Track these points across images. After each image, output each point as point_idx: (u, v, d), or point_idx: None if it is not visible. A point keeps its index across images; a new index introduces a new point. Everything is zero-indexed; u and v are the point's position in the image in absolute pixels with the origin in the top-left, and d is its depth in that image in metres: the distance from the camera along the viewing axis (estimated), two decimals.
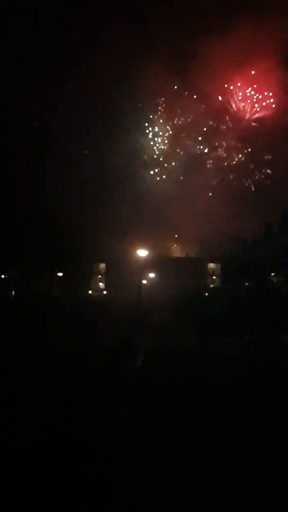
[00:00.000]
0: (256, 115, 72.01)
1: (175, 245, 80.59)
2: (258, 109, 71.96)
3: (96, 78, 60.16)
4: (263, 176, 71.83)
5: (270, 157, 70.60)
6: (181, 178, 76.15)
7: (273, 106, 70.55)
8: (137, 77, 61.78)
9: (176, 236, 79.38)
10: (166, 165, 75.37)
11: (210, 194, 73.84)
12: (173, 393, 9.66)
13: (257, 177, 72.97)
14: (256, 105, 71.52)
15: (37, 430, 6.64)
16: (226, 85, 70.18)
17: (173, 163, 76.21)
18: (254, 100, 71.63)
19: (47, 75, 58.42)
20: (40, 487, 4.90)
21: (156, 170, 74.87)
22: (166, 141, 74.72)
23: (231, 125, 72.33)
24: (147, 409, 8.20)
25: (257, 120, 72.20)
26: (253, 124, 72.66)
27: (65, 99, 60.18)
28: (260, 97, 70.70)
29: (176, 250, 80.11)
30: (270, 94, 69.64)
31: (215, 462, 5.74)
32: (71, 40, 56.67)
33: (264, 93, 70.21)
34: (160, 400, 9.01)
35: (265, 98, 70.67)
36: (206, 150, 73.87)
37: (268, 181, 70.55)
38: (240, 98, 70.60)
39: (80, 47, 58.43)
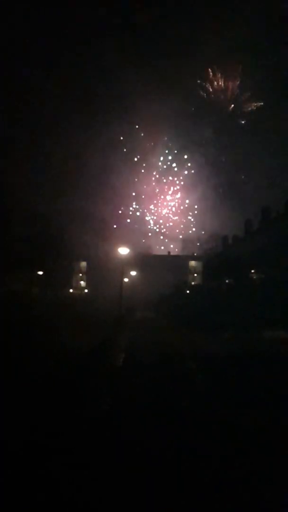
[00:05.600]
0: (238, 112, 72.42)
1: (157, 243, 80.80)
2: (238, 106, 72.43)
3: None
4: (243, 176, 72.52)
5: (249, 154, 71.36)
6: (162, 176, 76.20)
7: (254, 104, 71.23)
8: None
9: (158, 234, 79.54)
10: (144, 163, 75.24)
11: (191, 191, 74.10)
12: (154, 391, 9.65)
13: (236, 175, 73.57)
14: (238, 101, 71.91)
15: (10, 432, 6.47)
16: (207, 81, 70.52)
17: (154, 159, 76.13)
18: (235, 96, 72.03)
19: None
20: (13, 495, 4.70)
21: (136, 168, 74.69)
22: (143, 136, 74.55)
23: (210, 122, 72.74)
24: (128, 408, 8.16)
25: (238, 116, 72.66)
26: (234, 120, 73.14)
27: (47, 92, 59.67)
28: (242, 93, 71.16)
29: (158, 248, 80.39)
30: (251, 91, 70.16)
31: (200, 463, 5.69)
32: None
33: (245, 91, 70.69)
34: (141, 397, 8.99)
35: (246, 95, 71.10)
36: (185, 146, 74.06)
37: (247, 179, 71.30)
38: (221, 90, 70.83)
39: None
